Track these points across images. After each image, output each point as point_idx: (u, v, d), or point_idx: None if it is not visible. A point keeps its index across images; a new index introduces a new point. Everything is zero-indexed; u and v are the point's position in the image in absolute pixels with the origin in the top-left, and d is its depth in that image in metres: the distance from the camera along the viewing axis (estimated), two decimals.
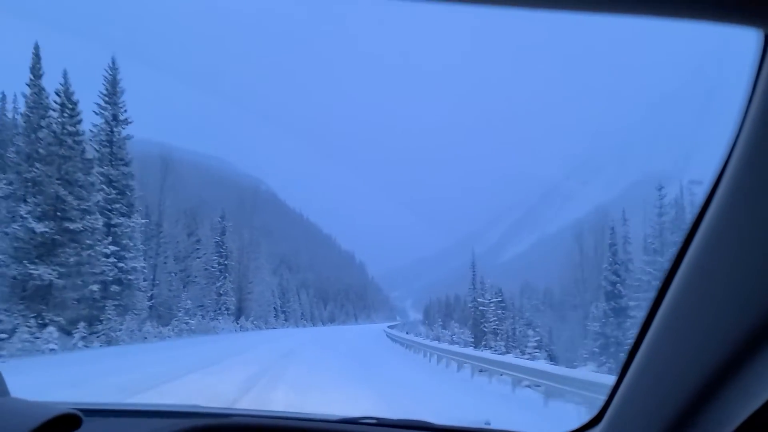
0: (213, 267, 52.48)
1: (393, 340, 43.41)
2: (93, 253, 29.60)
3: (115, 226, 32.68)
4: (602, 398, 1.82)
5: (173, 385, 13.78)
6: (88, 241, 29.40)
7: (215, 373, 16.70)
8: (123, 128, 34.61)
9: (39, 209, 27.47)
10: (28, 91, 28.75)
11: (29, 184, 27.54)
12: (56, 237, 27.90)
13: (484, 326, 42.28)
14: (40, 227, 26.95)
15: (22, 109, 29.32)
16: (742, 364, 1.22)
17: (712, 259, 1.20)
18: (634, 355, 1.52)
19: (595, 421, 1.89)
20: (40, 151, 27.77)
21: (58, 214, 28.25)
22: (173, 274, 44.13)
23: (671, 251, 1.35)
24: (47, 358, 22.82)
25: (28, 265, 26.50)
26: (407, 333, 51.77)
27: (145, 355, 24.80)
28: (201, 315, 46.13)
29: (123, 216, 33.20)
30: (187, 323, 41.78)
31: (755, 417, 1.27)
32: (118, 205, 33.10)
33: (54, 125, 28.74)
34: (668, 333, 1.37)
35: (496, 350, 32.93)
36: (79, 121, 30.34)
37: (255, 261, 61.49)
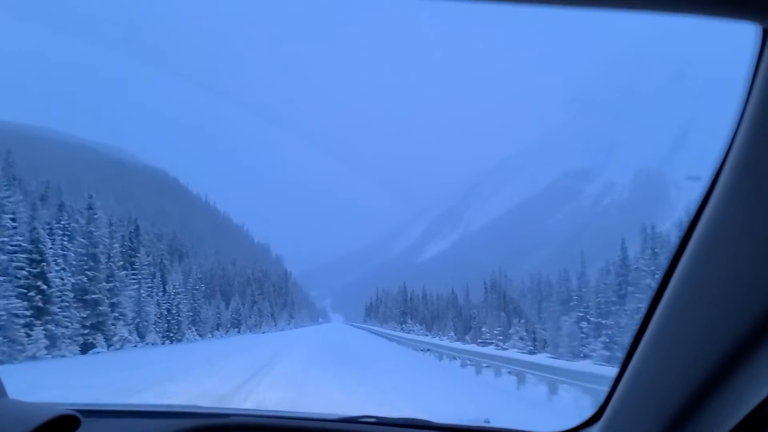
0: None
1: None
2: None
3: None
4: None
5: None
6: None
7: None
8: None
9: None
10: None
11: None
12: None
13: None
14: None
15: None
16: (741, 360, 1.22)
17: (711, 255, 1.20)
18: (634, 351, 1.52)
19: (595, 417, 1.89)
20: None
21: None
22: None
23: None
24: None
25: None
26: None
27: None
28: None
29: None
30: None
31: (756, 412, 1.29)
32: None
33: None
34: (668, 329, 1.38)
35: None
36: None
37: None
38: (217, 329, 52.57)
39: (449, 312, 52.66)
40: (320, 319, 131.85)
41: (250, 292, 63.31)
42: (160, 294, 42.01)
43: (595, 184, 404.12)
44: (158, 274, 42.70)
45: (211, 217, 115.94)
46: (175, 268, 46.02)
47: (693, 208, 1.23)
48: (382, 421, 2.26)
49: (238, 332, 57.03)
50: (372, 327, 67.24)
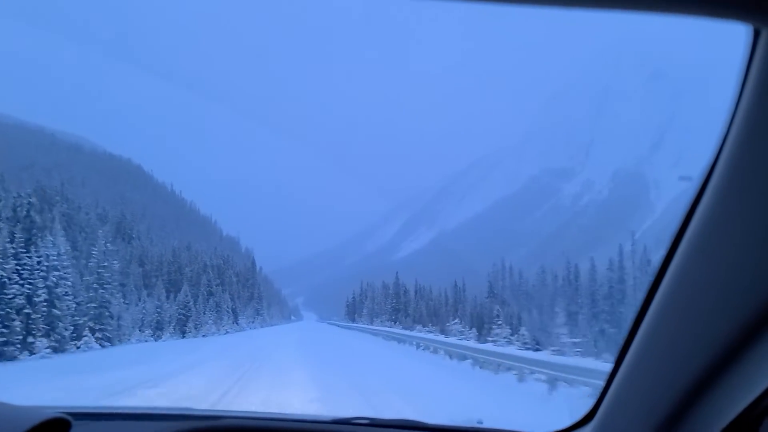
0: None
1: None
2: None
3: None
4: None
5: None
6: None
7: None
8: None
9: None
10: None
11: None
12: None
13: None
14: None
15: None
16: (734, 358, 1.25)
17: (703, 254, 1.22)
18: (627, 350, 1.55)
19: (588, 417, 1.91)
20: None
21: None
22: None
23: None
24: None
25: None
26: None
27: None
28: None
29: None
30: None
31: (749, 410, 1.30)
32: None
33: None
34: (660, 328, 1.41)
35: None
36: None
37: None
38: (158, 329, 39.72)
39: (452, 308, 47.06)
40: (292, 317, 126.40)
41: (206, 282, 50.13)
42: (16, 267, 25.78)
43: (574, 183, 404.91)
44: (16, 236, 26.57)
45: (177, 206, 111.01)
46: (56, 228, 30.24)
47: (684, 207, 1.23)
48: (375, 423, 2.24)
49: (156, 339, 38.46)
50: (380, 328, 46.96)
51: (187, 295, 44.99)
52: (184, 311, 44.20)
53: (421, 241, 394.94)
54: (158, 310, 40.68)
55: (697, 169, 1.21)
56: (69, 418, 1.28)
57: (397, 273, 59.23)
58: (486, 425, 2.48)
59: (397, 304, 54.28)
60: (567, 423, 2.04)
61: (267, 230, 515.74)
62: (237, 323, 54.27)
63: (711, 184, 1.15)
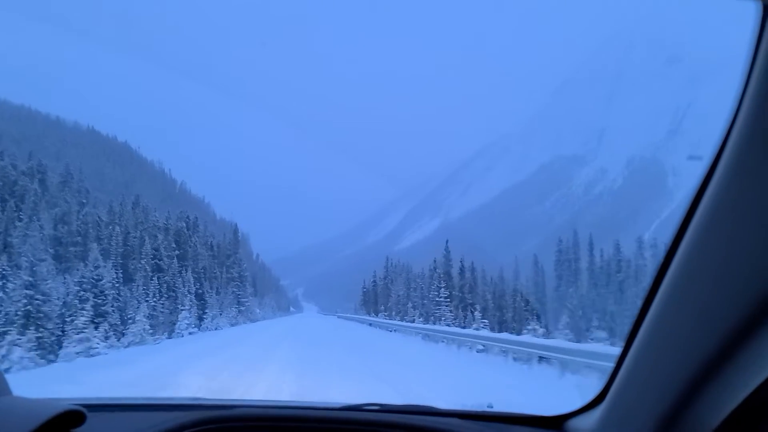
0: None
1: None
2: None
3: None
4: None
5: None
6: None
7: None
8: None
9: None
10: None
11: None
12: None
13: None
14: None
15: None
16: (744, 339, 1.25)
17: (713, 235, 1.23)
18: (637, 333, 1.57)
19: (598, 399, 1.93)
20: None
21: None
22: None
23: None
24: None
25: None
26: None
27: None
28: None
29: None
30: None
31: (758, 392, 1.30)
32: None
33: None
34: (670, 310, 1.43)
35: None
36: None
37: None
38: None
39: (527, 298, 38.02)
40: (291, 308, 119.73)
41: (151, 253, 34.15)
42: None
43: (587, 171, 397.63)
44: None
45: (167, 185, 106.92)
46: None
47: (694, 188, 1.23)
48: (385, 408, 2.28)
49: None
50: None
51: (97, 268, 27.51)
52: (96, 297, 26.41)
53: (425, 231, 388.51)
54: (27, 294, 23.33)
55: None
56: (83, 409, 1.29)
57: (447, 242, 45.83)
58: (496, 409, 2.43)
59: (449, 288, 40.08)
60: (577, 405, 2.04)
61: (267, 219, 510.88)
62: (187, 322, 33.82)
63: (720, 165, 1.12)
